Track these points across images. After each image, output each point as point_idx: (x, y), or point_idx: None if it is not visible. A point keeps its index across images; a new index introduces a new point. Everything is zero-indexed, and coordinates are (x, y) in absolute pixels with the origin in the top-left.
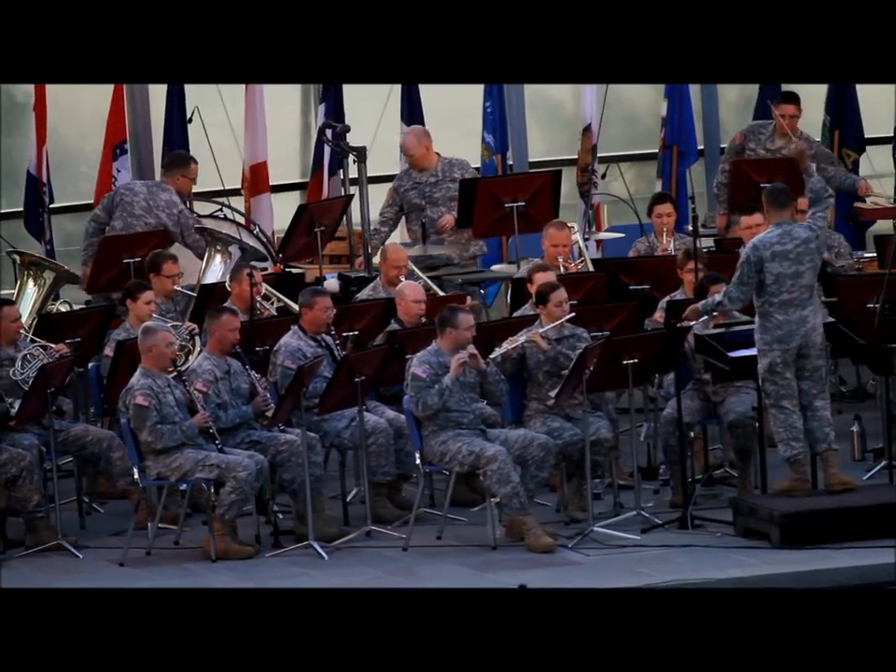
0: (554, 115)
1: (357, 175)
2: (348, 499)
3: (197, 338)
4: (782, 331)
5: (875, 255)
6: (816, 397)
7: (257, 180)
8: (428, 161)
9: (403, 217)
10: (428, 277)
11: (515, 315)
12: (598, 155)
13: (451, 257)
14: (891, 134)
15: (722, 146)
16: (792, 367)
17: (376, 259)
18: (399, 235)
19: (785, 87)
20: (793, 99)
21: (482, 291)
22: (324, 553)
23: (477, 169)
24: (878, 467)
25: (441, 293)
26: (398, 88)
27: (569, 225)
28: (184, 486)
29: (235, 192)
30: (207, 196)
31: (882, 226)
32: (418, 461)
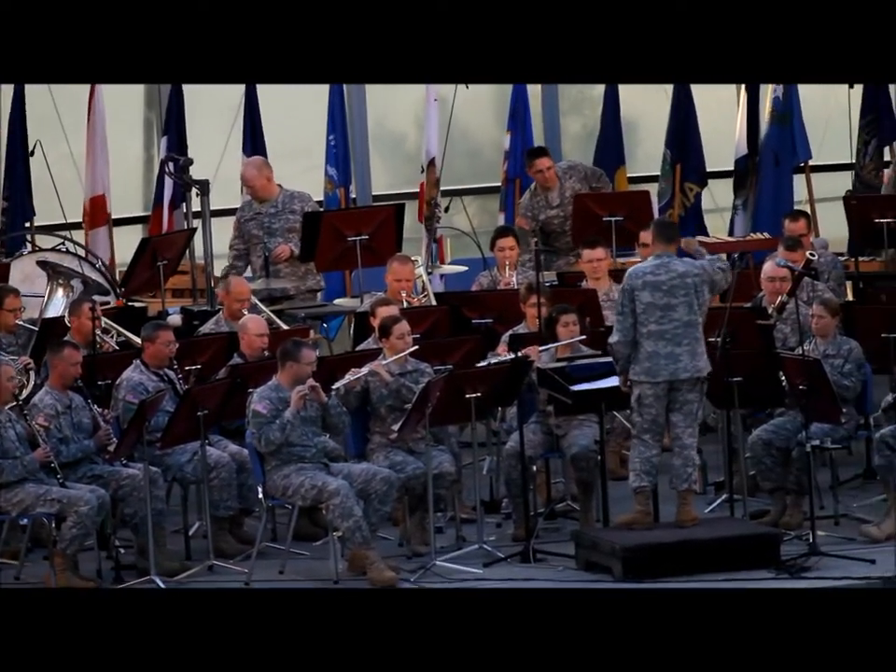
0: (397, 148)
1: (199, 209)
2: (190, 533)
3: (32, 372)
4: (650, 363)
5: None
6: (684, 431)
7: (96, 213)
8: (269, 192)
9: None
10: (271, 311)
11: (358, 348)
12: (442, 188)
13: (288, 289)
14: (729, 168)
15: None
16: (663, 400)
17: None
18: None
19: None
20: (543, 153)
21: (324, 325)
22: (165, 588)
23: (320, 202)
24: (719, 500)
25: (285, 327)
26: (240, 121)
27: (413, 259)
28: (24, 521)
29: (77, 226)
30: (49, 230)
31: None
32: (261, 495)
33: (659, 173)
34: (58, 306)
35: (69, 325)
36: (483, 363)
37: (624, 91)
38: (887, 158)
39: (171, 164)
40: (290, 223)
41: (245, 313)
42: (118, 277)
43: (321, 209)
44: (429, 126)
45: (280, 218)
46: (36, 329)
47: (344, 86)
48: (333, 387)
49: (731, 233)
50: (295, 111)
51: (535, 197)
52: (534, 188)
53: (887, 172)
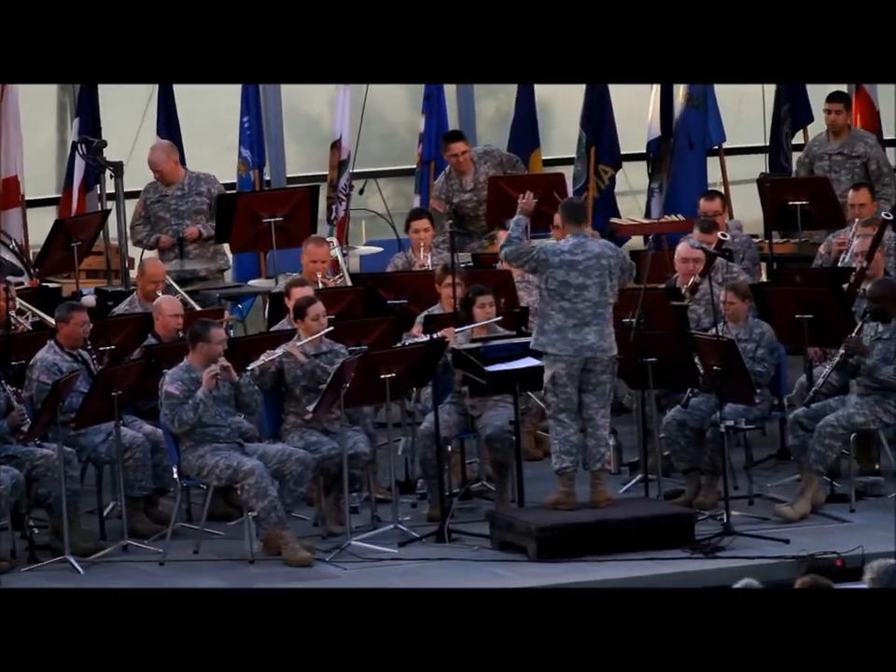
0: (312, 130)
1: (113, 191)
2: (105, 514)
3: None
4: (557, 336)
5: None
6: (597, 412)
7: (8, 194)
8: (176, 175)
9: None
10: (186, 292)
11: (273, 329)
12: (356, 170)
13: (197, 270)
14: (644, 151)
15: None
16: (576, 380)
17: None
18: None
19: None
20: (459, 137)
21: (239, 306)
22: (80, 568)
23: (233, 184)
24: (634, 480)
25: (199, 308)
26: (154, 103)
27: (328, 240)
28: None
29: None
30: None
31: (637, 241)
32: (175, 475)
33: (574, 155)
34: None
35: None
36: (397, 344)
37: None
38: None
39: (83, 146)
40: (198, 205)
41: (160, 294)
42: (31, 258)
43: (227, 192)
44: (338, 108)
45: (187, 201)
46: None
47: None
48: (248, 368)
49: (647, 216)
50: (209, 93)
51: (450, 180)
52: (449, 171)
53: (797, 155)
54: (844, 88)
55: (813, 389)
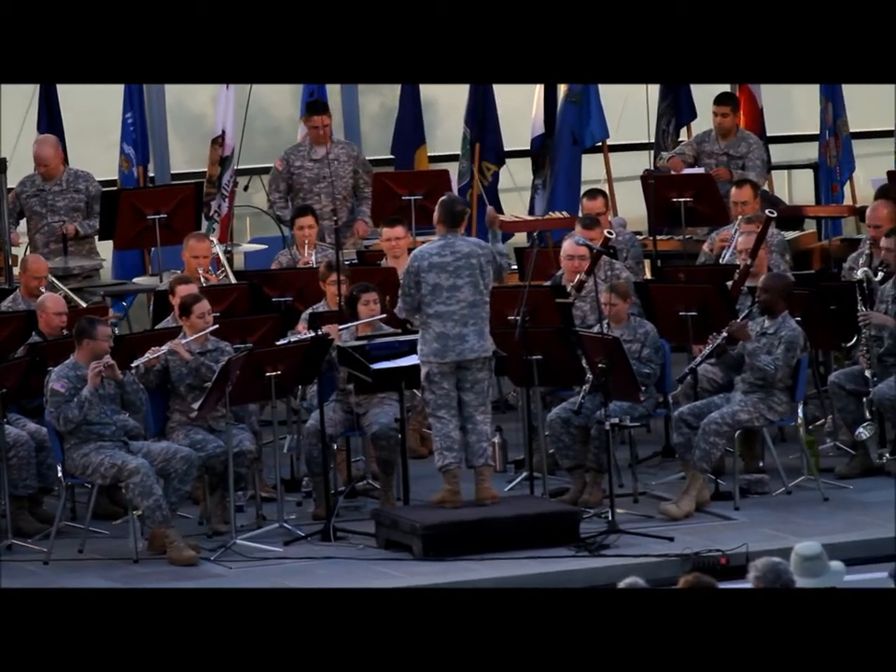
0: (196, 127)
1: None
2: None
3: None
4: (438, 345)
5: (515, 267)
6: (477, 409)
7: None
8: (59, 170)
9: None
10: (70, 289)
11: (158, 327)
12: (240, 167)
13: (71, 268)
14: (528, 148)
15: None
16: (452, 377)
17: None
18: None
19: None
20: (323, 109)
21: (124, 304)
22: None
23: (114, 181)
24: (519, 478)
25: (84, 304)
26: (37, 99)
27: (210, 238)
28: None
29: None
30: None
31: (522, 238)
32: (60, 474)
33: (459, 152)
34: None
35: None
36: (282, 341)
37: None
38: (683, 139)
39: None
40: (75, 202)
41: (43, 290)
42: None
43: (104, 189)
44: (220, 104)
45: (65, 197)
46: None
47: None
48: (132, 365)
49: (532, 212)
50: (92, 89)
51: (299, 147)
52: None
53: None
54: (728, 88)
55: (688, 367)
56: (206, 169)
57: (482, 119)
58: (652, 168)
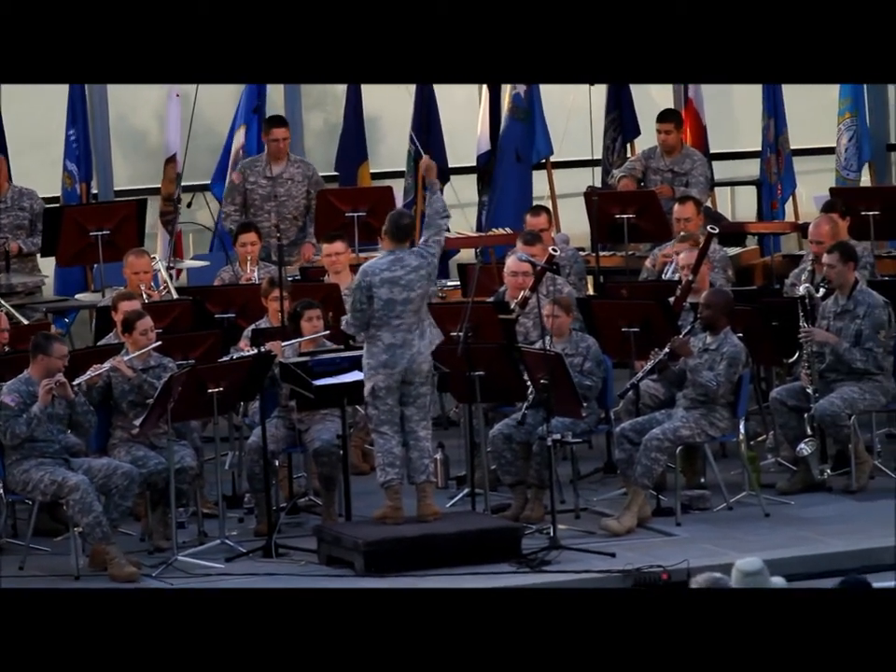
0: (140, 144)
1: None
2: None
3: None
4: (387, 356)
5: (458, 283)
6: (419, 424)
7: None
8: (3, 188)
9: None
10: (11, 306)
11: (100, 343)
12: (185, 184)
13: (14, 285)
14: (475, 164)
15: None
16: (396, 392)
17: None
18: None
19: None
20: (282, 122)
21: (66, 320)
22: None
23: (57, 198)
24: (461, 494)
25: (26, 321)
26: None
27: (152, 256)
28: None
29: None
30: None
31: (465, 254)
32: (1, 491)
33: (404, 168)
34: None
35: None
36: (225, 358)
37: (367, 86)
38: (629, 155)
39: None
40: (20, 220)
41: None
42: None
43: (52, 205)
44: (170, 122)
45: (10, 215)
46: None
47: None
48: (74, 383)
49: (479, 229)
50: (34, 105)
51: (255, 163)
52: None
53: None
54: (671, 105)
55: (630, 382)
56: (150, 185)
57: (425, 136)
58: (597, 185)
